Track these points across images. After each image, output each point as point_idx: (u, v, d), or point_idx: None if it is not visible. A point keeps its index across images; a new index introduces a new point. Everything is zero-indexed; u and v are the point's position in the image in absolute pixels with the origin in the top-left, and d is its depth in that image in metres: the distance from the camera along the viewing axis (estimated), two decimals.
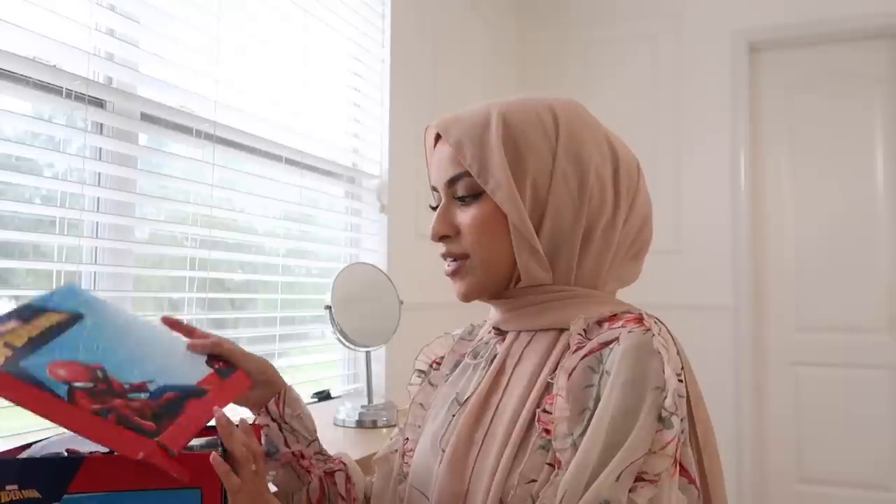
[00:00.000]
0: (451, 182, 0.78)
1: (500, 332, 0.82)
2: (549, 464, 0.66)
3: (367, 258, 2.06)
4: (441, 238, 0.80)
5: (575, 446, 0.64)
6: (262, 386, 0.85)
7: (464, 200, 0.78)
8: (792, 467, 2.86)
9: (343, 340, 1.54)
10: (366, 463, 1.24)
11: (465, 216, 0.77)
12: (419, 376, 0.92)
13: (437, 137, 0.82)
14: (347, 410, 1.59)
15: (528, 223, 0.74)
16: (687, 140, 2.98)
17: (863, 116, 2.85)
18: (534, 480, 0.66)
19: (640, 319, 0.70)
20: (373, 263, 1.82)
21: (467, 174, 0.76)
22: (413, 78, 2.32)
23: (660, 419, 0.63)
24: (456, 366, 0.87)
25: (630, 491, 0.61)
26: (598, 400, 0.65)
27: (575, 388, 0.67)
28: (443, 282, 0.81)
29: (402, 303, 1.70)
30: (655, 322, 0.70)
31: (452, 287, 0.81)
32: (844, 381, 2.81)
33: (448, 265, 0.80)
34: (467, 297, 0.80)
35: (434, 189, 0.83)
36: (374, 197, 2.16)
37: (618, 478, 0.61)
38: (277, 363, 1.78)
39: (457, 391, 0.81)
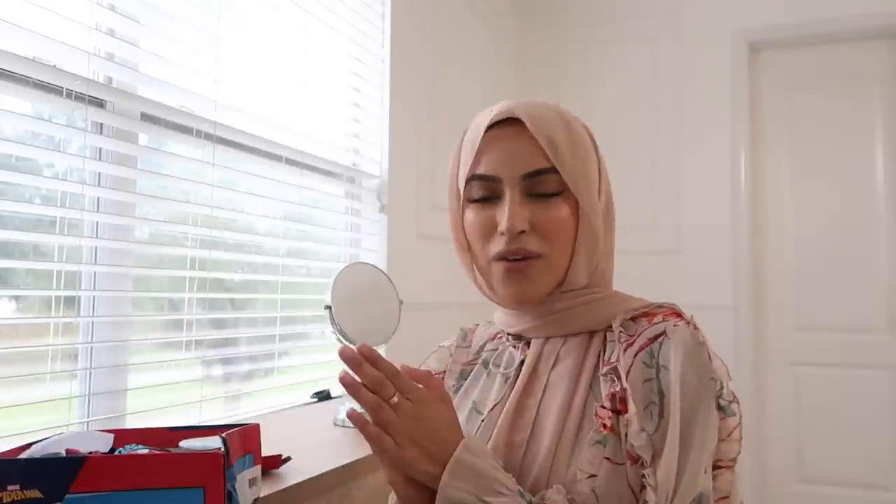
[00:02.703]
0: (532, 175, 0.74)
1: (520, 339, 0.82)
2: (608, 458, 0.68)
3: (367, 258, 2.06)
4: (519, 233, 0.75)
5: (651, 440, 0.67)
6: None
7: (542, 197, 0.75)
8: (792, 467, 2.86)
9: (343, 340, 1.54)
10: (365, 463, 1.24)
11: (548, 214, 0.74)
12: None
13: (497, 125, 0.77)
14: (347, 410, 1.59)
15: (601, 229, 0.78)
16: (687, 140, 2.98)
17: (863, 116, 2.85)
18: (594, 475, 0.67)
19: (679, 314, 0.74)
20: (373, 263, 1.82)
21: (553, 170, 0.74)
22: (413, 78, 2.32)
23: (719, 408, 0.69)
24: (462, 374, 0.86)
25: (714, 479, 0.68)
26: (660, 394, 0.69)
27: (636, 384, 0.70)
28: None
29: (402, 303, 1.70)
30: (688, 315, 0.75)
31: (508, 289, 0.76)
32: (844, 381, 2.81)
33: (513, 262, 0.75)
34: (527, 299, 0.77)
35: (483, 178, 0.76)
36: (374, 197, 2.16)
37: (705, 470, 0.66)
38: (277, 363, 1.79)
39: (473, 399, 0.81)
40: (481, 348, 0.86)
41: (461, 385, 0.85)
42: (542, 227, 0.74)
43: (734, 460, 0.70)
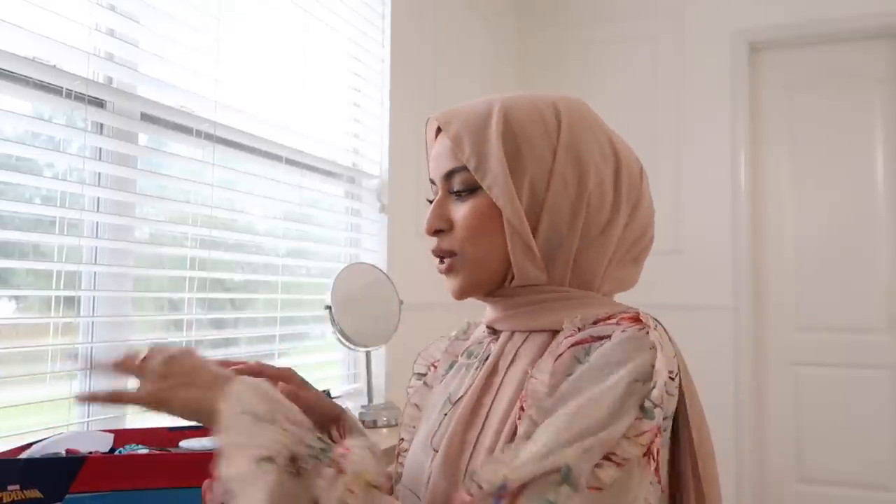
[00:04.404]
0: (449, 176, 0.77)
1: (494, 332, 0.81)
2: None
3: (367, 258, 2.06)
4: (435, 232, 0.78)
5: (531, 419, 0.63)
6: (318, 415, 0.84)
7: (459, 195, 0.76)
8: (792, 467, 2.86)
9: (343, 340, 1.54)
10: None
11: (460, 211, 0.76)
12: (418, 379, 0.91)
13: (438, 130, 0.81)
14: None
15: (524, 221, 0.73)
16: (687, 140, 2.98)
17: (863, 116, 2.85)
18: None
19: (636, 318, 0.68)
20: (373, 263, 1.82)
21: (465, 168, 0.74)
22: (413, 78, 2.32)
23: (642, 408, 0.62)
24: (451, 366, 0.86)
25: (595, 466, 0.60)
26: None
27: (557, 373, 0.66)
28: (443, 282, 0.81)
29: (402, 303, 1.70)
30: (652, 320, 0.69)
31: (446, 285, 0.80)
32: (844, 381, 2.81)
33: (440, 263, 0.79)
34: (461, 294, 0.79)
35: (433, 182, 0.82)
36: (374, 197, 2.16)
37: (586, 450, 0.60)
38: (277, 363, 1.79)
39: (450, 391, 0.81)
40: (473, 342, 0.86)
41: (445, 376, 0.85)
42: (457, 224, 0.77)
43: (627, 461, 0.61)
